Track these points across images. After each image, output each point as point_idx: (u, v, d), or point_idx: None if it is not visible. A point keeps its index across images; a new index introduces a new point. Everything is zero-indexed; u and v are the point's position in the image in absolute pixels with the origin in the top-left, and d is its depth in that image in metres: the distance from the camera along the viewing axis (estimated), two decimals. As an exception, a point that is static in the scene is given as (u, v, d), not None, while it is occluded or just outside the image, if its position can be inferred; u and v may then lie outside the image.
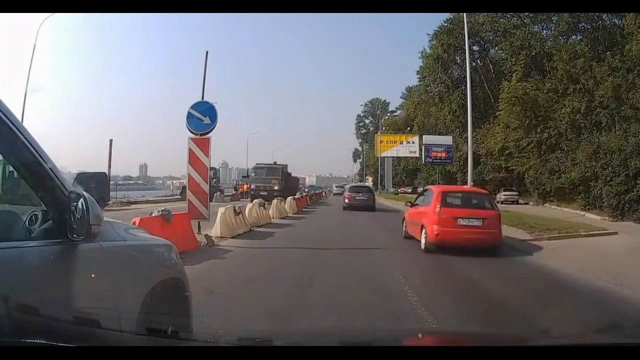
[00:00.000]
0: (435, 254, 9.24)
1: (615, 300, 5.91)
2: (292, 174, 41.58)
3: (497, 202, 30.56)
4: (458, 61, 39.74)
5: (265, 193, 26.44)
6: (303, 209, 25.39)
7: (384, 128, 68.08)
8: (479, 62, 39.86)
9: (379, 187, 58.71)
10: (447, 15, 38.01)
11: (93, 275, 1.96)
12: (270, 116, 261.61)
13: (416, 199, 12.08)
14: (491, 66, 39.90)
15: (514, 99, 30.61)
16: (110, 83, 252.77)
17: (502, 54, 38.54)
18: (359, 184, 52.46)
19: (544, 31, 34.67)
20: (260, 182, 31.28)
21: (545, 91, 29.92)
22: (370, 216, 21.08)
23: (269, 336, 2.29)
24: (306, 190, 41.68)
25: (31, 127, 1.88)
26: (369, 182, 67.77)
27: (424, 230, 9.85)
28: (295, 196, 26.40)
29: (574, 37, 32.17)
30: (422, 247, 9.77)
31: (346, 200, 25.20)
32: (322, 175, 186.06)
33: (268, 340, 1.99)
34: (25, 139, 1.72)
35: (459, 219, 9.41)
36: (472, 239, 9.19)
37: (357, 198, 24.89)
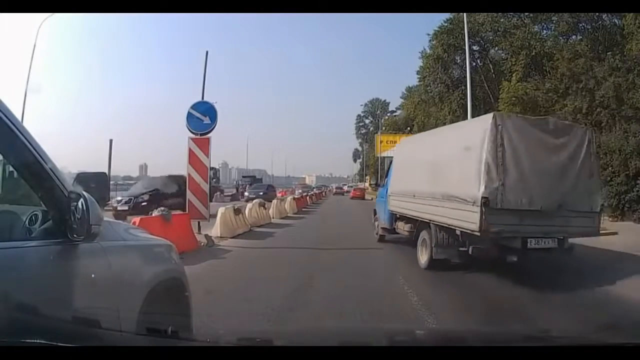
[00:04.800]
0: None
1: (614, 300, 5.91)
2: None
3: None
4: (458, 61, 39.72)
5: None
6: (303, 209, 25.41)
7: (384, 128, 68.08)
8: (479, 62, 39.84)
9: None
10: (447, 15, 37.97)
11: (93, 275, 1.96)
12: (270, 116, 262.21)
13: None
14: (491, 66, 39.88)
15: (514, 99, 30.58)
16: (110, 83, 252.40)
17: (502, 54, 38.52)
18: (358, 184, 63.27)
19: (544, 31, 34.63)
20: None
21: (545, 91, 29.91)
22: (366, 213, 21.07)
23: (269, 336, 2.29)
24: (299, 190, 42.17)
25: (31, 127, 1.88)
26: (367, 182, 68.66)
27: None
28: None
29: (574, 37, 32.15)
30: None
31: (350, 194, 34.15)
32: (322, 175, 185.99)
33: (268, 340, 1.99)
34: (25, 139, 1.72)
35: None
36: None
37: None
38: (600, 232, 12.72)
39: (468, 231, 6.51)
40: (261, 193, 31.74)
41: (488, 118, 6.65)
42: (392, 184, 10.05)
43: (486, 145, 6.35)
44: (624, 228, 14.67)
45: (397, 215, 9.74)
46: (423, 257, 7.86)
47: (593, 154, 7.23)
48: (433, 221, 7.58)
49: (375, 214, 11.87)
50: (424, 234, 7.98)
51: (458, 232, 6.90)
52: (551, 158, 6.69)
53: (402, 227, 9.42)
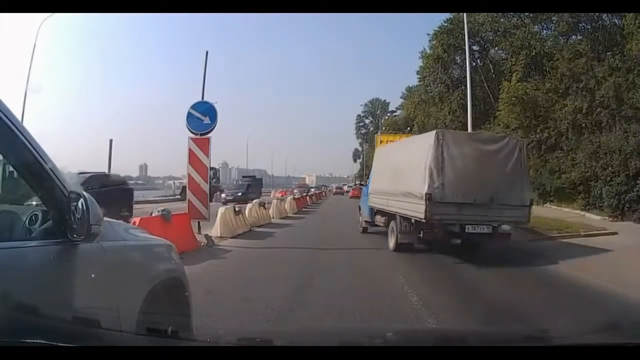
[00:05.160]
0: (433, 252, 9.27)
1: (614, 300, 5.92)
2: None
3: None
4: (458, 61, 39.73)
5: None
6: (303, 209, 25.41)
7: (384, 128, 68.04)
8: (479, 62, 39.83)
9: None
10: (447, 15, 37.97)
11: (93, 275, 1.96)
12: (270, 116, 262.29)
13: None
14: (491, 66, 39.87)
15: (514, 99, 30.58)
16: (110, 83, 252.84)
17: (502, 54, 38.51)
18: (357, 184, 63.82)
19: (544, 31, 34.62)
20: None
21: (545, 91, 29.91)
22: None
23: (269, 336, 2.29)
24: (296, 190, 41.34)
25: (31, 127, 1.88)
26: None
27: None
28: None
29: (574, 37, 32.14)
30: None
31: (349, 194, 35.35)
32: (322, 175, 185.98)
33: (268, 340, 1.99)
34: (25, 139, 1.72)
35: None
36: None
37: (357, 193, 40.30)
38: (600, 232, 12.88)
39: (419, 219, 8.40)
40: (240, 194, 29.53)
41: (432, 134, 8.69)
42: (372, 184, 12.04)
43: (430, 155, 8.33)
44: (624, 228, 14.66)
45: (376, 210, 11.45)
46: (391, 242, 9.80)
47: (524, 159, 9.01)
48: (398, 213, 9.40)
49: (360, 209, 13.60)
50: (392, 224, 9.85)
51: (413, 221, 8.79)
52: (484, 162, 8.53)
53: (380, 220, 11.22)
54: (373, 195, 11.56)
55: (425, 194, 8.10)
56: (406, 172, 9.42)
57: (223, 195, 31.13)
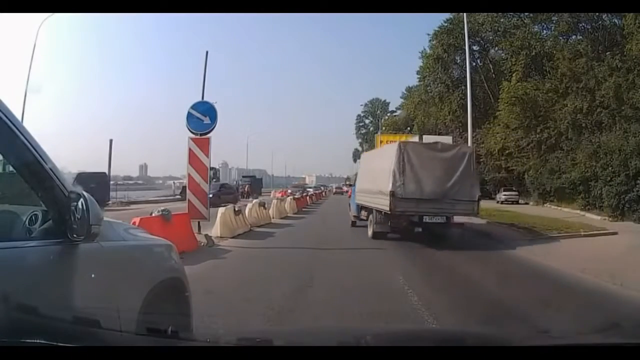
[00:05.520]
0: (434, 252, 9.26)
1: (615, 300, 5.92)
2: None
3: (497, 202, 30.70)
4: (458, 61, 39.74)
5: None
6: (303, 209, 25.41)
7: (384, 128, 68.05)
8: (479, 62, 39.84)
9: None
10: (447, 15, 37.99)
11: (93, 275, 1.95)
12: (270, 116, 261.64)
13: None
14: (491, 66, 39.88)
15: (514, 99, 30.60)
16: (110, 83, 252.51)
17: (502, 54, 38.52)
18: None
19: (544, 31, 34.64)
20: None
21: (545, 91, 29.91)
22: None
23: (269, 336, 2.28)
24: (290, 191, 39.96)
25: (31, 127, 1.88)
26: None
27: None
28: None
29: (574, 37, 32.16)
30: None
31: (348, 193, 34.05)
32: (322, 175, 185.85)
33: (268, 340, 1.99)
34: (25, 139, 1.71)
35: None
36: None
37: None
38: (601, 232, 13.04)
39: (387, 212, 10.56)
40: (210, 196, 28.82)
41: (396, 144, 11.04)
42: (357, 184, 14.49)
43: (394, 160, 10.52)
44: (624, 228, 14.66)
45: (360, 206, 13.62)
46: (370, 231, 12.05)
47: (472, 163, 11.10)
48: (374, 208, 11.65)
49: (349, 206, 15.88)
50: (370, 217, 12.18)
51: (383, 213, 10.93)
52: (438, 166, 10.58)
53: (363, 214, 13.35)
54: (358, 193, 13.80)
55: (390, 191, 10.33)
56: (378, 174, 11.66)
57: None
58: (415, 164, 10.44)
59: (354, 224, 14.73)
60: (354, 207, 14.43)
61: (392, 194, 10.24)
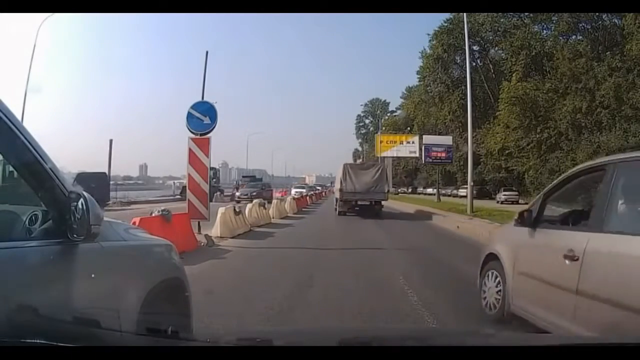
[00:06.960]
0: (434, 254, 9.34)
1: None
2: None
3: (497, 202, 30.70)
4: (458, 61, 39.75)
5: None
6: (303, 209, 25.41)
7: (384, 128, 68.09)
8: (479, 62, 39.84)
9: None
10: (447, 15, 38.00)
11: (93, 275, 1.95)
12: (270, 116, 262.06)
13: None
14: (491, 66, 39.88)
15: (514, 99, 30.61)
16: (110, 83, 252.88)
17: (502, 54, 38.52)
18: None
19: (544, 31, 34.67)
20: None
21: (545, 91, 29.91)
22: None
23: (269, 336, 2.28)
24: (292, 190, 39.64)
25: (31, 127, 1.88)
26: None
27: None
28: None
29: (574, 37, 32.17)
30: None
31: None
32: (322, 175, 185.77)
33: (268, 340, 1.98)
34: (25, 139, 1.71)
35: None
36: None
37: None
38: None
39: (340, 199, 20.55)
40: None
41: (342, 165, 20.88)
42: (335, 185, 24.27)
43: (341, 173, 20.61)
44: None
45: (336, 199, 21.82)
46: (335, 211, 21.42)
47: (386, 173, 21.26)
48: (337, 198, 21.40)
49: (335, 201, 22.77)
50: (336, 203, 21.63)
51: (339, 200, 20.78)
52: (365, 175, 19.94)
53: (336, 203, 21.66)
54: (335, 192, 24.26)
55: (339, 189, 20.35)
56: (337, 181, 22.14)
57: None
58: (352, 175, 19.90)
59: (336, 211, 21.47)
60: (334, 200, 23.36)
61: (341, 190, 20.02)
